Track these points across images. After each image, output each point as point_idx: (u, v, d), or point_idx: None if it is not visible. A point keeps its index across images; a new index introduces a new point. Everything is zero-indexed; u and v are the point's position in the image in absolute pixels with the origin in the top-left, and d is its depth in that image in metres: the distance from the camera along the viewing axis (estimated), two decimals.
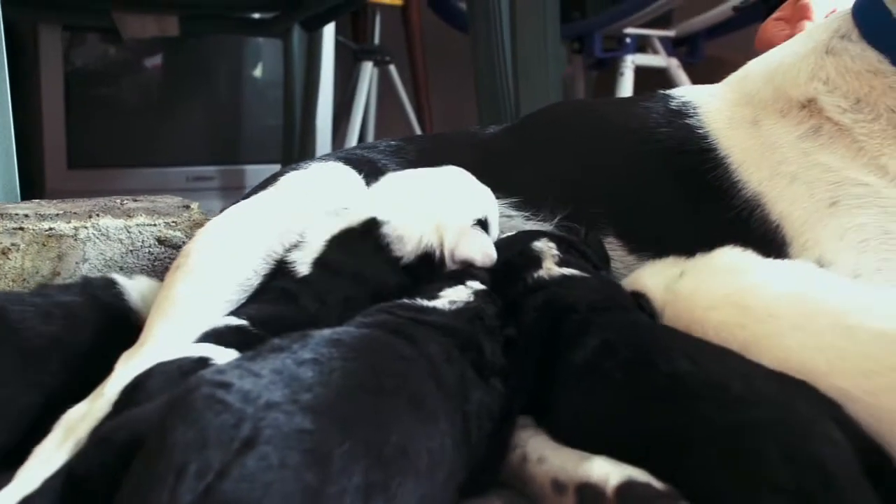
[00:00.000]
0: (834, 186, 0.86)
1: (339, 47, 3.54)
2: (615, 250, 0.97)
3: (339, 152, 1.11)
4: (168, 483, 0.49)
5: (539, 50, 1.74)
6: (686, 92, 1.06)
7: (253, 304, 0.82)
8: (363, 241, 0.85)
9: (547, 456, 0.70)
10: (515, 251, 0.85)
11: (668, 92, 1.08)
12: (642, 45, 3.54)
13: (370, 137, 3.67)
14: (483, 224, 0.90)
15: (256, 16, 2.66)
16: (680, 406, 0.59)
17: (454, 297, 0.77)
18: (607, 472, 0.63)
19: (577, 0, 3.39)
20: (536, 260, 0.82)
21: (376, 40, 3.67)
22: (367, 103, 3.58)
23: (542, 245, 0.84)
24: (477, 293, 0.79)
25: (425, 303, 0.75)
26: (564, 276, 0.80)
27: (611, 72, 3.54)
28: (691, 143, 0.96)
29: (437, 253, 0.86)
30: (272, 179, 0.98)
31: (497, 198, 1.00)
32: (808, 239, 0.85)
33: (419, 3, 3.67)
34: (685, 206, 0.94)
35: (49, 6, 2.38)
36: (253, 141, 2.99)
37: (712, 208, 0.92)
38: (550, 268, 0.81)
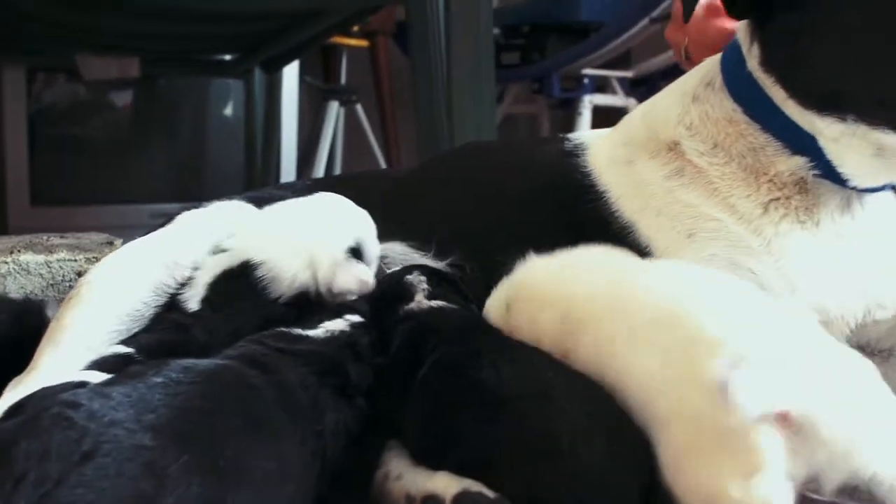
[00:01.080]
0: (692, 221, 0.93)
1: (307, 87, 3.64)
2: None
3: (251, 193, 1.17)
4: (4, 491, 0.54)
5: (473, 90, 1.82)
6: (582, 134, 1.13)
7: (143, 334, 0.87)
8: (240, 282, 0.90)
9: (403, 473, 0.77)
10: (390, 285, 0.91)
11: (567, 135, 1.15)
12: (602, 86, 3.65)
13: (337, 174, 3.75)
14: (357, 251, 0.95)
15: (217, 57, 2.73)
16: (483, 416, 0.66)
17: (332, 327, 0.83)
18: (447, 484, 0.70)
19: (538, 42, 3.50)
20: (408, 293, 0.88)
21: (343, 80, 3.77)
22: (334, 141, 3.67)
23: (413, 279, 0.89)
24: (353, 325, 0.84)
25: (299, 332, 0.80)
26: (432, 308, 0.85)
27: (573, 111, 3.64)
28: (577, 180, 1.03)
29: (313, 288, 0.91)
30: (173, 218, 1.04)
31: (399, 237, 1.06)
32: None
33: (386, 44, 3.78)
34: (567, 235, 1.00)
35: (12, 49, 2.46)
36: (216, 178, 3.06)
37: (593, 234, 0.98)
38: (420, 300, 0.87)
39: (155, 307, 0.90)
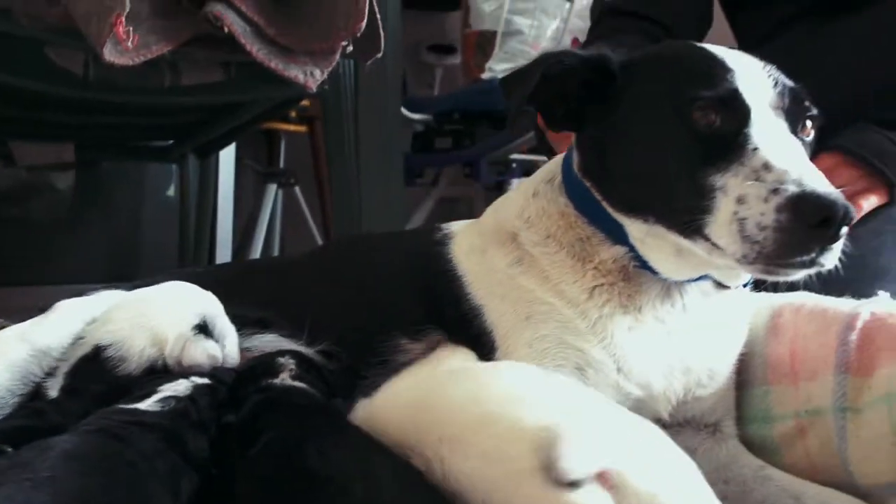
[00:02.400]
0: (528, 304, 1.03)
1: (247, 169, 3.77)
2: None
3: (139, 281, 1.26)
4: None
5: (381, 173, 1.94)
6: (453, 225, 1.24)
7: (7, 419, 0.93)
8: (94, 365, 0.98)
9: None
10: (261, 361, 1.00)
11: (441, 225, 1.27)
12: (529, 170, 3.81)
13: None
14: (204, 328, 1.03)
15: (153, 144, 2.84)
16: (305, 501, 0.72)
17: (170, 393, 0.89)
18: None
19: (468, 128, 3.67)
20: (275, 370, 0.96)
21: (282, 163, 3.90)
22: (273, 222, 3.77)
23: (284, 360, 0.98)
24: (196, 386, 0.92)
25: (135, 405, 0.87)
26: (288, 387, 0.93)
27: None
28: (439, 266, 1.13)
29: (161, 363, 0.98)
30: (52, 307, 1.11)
31: (276, 325, 1.16)
32: (509, 345, 1.02)
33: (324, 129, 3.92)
34: (428, 318, 1.10)
35: None
36: (152, 259, 3.14)
37: (449, 317, 1.08)
38: (284, 378, 0.95)
39: (20, 395, 0.97)
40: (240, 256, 3.53)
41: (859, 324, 1.02)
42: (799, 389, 1.06)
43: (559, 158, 1.16)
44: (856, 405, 0.99)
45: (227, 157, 3.27)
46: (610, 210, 1.03)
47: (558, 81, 1.03)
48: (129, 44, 1.45)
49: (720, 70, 0.97)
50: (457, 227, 1.22)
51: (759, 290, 1.19)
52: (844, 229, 0.87)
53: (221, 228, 3.30)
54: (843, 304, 1.08)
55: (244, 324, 1.13)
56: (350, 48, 1.59)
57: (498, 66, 3.27)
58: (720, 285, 1.07)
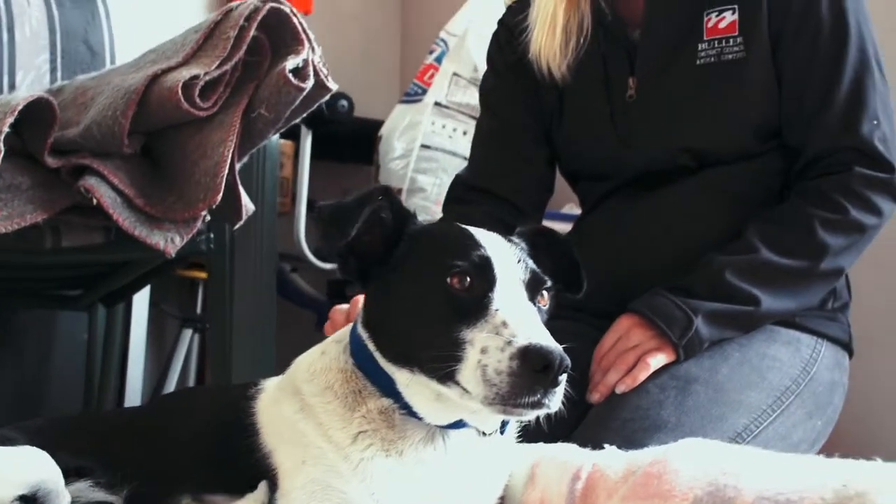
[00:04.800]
0: (304, 449, 1.18)
1: (161, 314, 3.92)
2: None
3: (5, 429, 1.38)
4: None
5: (254, 334, 2.11)
6: (269, 381, 1.40)
7: None
8: None
9: None
10: None
11: (261, 380, 1.42)
12: None
13: None
14: (30, 499, 1.09)
15: (61, 293, 2.99)
16: None
17: None
18: None
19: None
20: None
21: (199, 309, 4.05)
22: (188, 366, 3.89)
23: None
24: None
25: None
26: None
27: None
28: (242, 419, 1.29)
29: None
30: None
31: (98, 473, 1.28)
32: (287, 486, 1.16)
33: None
34: (227, 467, 1.24)
35: None
36: (57, 403, 3.22)
37: (245, 464, 1.23)
38: None
39: None
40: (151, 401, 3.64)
41: (584, 474, 1.19)
42: None
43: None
44: None
45: (141, 303, 3.44)
46: (382, 362, 1.20)
47: (374, 224, 1.21)
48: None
49: (475, 246, 1.19)
50: (268, 382, 1.37)
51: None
52: (563, 376, 1.07)
53: (132, 374, 3.42)
54: (579, 456, 1.25)
55: (64, 472, 1.24)
56: (208, 217, 1.79)
57: None
58: (482, 433, 1.24)
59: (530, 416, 1.10)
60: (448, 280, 1.15)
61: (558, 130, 1.95)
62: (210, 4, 4.09)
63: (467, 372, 1.08)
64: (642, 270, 1.77)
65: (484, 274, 1.16)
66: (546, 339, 1.08)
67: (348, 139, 3.92)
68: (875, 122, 1.63)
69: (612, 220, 1.89)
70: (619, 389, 1.58)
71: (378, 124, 3.73)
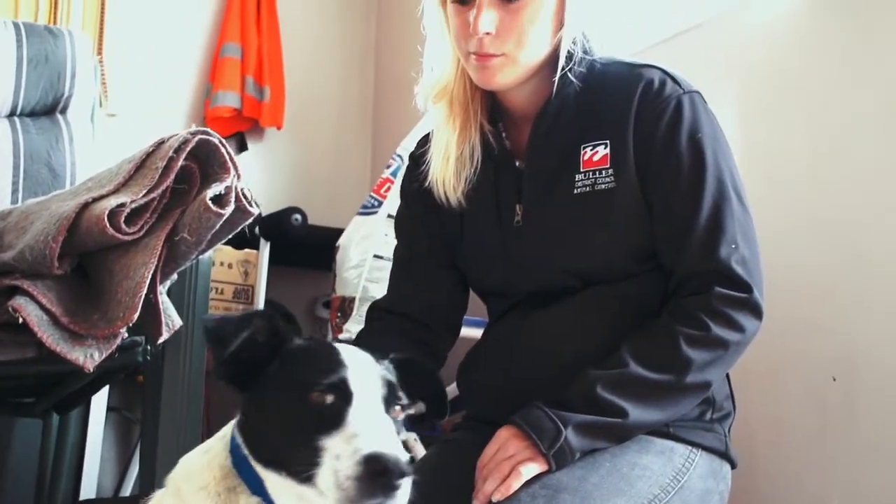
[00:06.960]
0: None
1: (121, 417, 4.04)
2: None
3: None
4: None
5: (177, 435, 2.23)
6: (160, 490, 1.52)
7: None
8: None
9: None
10: None
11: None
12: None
13: None
14: None
15: (14, 400, 3.10)
16: None
17: None
18: None
19: None
20: None
21: None
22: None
23: None
24: None
25: None
26: None
27: None
28: None
29: None
30: None
31: None
32: None
33: None
34: None
35: None
36: None
37: None
38: None
39: None
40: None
41: None
42: None
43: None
44: None
45: (98, 408, 3.56)
46: (253, 463, 1.34)
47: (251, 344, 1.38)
48: None
49: (337, 364, 1.35)
50: (160, 491, 1.50)
51: None
52: (401, 480, 1.22)
53: (88, 475, 3.51)
54: None
55: None
56: (126, 335, 1.94)
57: (353, 328, 3.63)
58: None
59: None
60: (310, 396, 1.29)
61: (460, 253, 2.11)
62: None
63: (324, 476, 1.25)
64: (530, 383, 1.89)
65: (341, 391, 1.33)
66: (389, 448, 1.24)
67: (310, 248, 4.12)
68: (733, 246, 1.78)
69: (507, 333, 2.03)
70: (495, 498, 1.68)
71: (340, 234, 3.93)
